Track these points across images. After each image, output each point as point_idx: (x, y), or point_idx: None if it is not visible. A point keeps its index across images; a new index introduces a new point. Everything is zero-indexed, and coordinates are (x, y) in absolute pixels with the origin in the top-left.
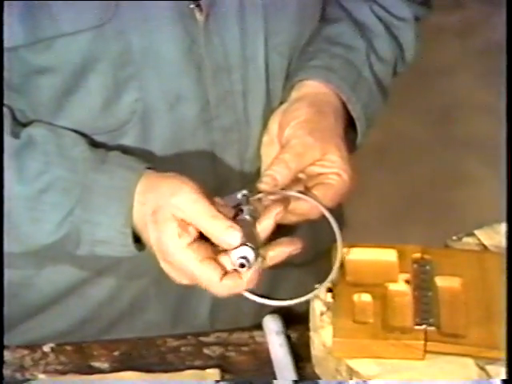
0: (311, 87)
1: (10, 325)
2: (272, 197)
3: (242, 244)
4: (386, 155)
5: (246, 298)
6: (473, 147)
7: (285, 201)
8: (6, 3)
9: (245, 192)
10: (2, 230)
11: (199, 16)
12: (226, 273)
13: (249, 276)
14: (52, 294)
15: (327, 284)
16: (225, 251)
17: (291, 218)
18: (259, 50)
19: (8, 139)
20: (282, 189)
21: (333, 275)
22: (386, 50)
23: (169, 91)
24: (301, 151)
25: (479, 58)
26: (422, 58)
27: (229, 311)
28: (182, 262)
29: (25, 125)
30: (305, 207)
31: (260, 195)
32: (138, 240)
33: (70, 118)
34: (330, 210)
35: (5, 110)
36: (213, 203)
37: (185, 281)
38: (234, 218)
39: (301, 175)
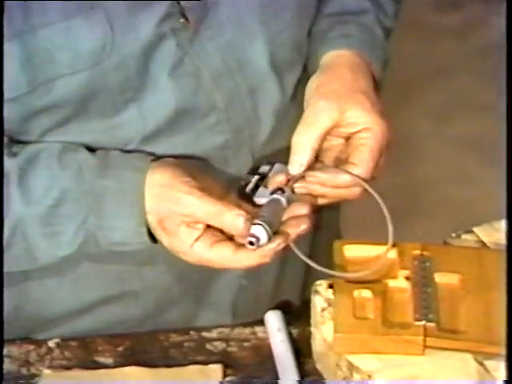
0: (326, 57)
1: (32, 332)
2: (315, 173)
3: (257, 223)
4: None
5: (264, 289)
6: (472, 146)
7: (311, 216)
8: (5, 54)
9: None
10: (1, 231)
11: (189, 28)
12: (238, 246)
13: (264, 251)
14: (76, 306)
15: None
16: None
17: (340, 192)
18: (260, 50)
19: (8, 161)
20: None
21: (387, 250)
22: (389, 5)
23: (168, 107)
24: (313, 119)
25: (478, 58)
26: (422, 58)
27: (249, 304)
28: (196, 255)
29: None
30: (347, 179)
31: (303, 173)
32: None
33: (72, 142)
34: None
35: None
36: (214, 195)
37: (205, 267)
38: (273, 193)
39: (335, 141)
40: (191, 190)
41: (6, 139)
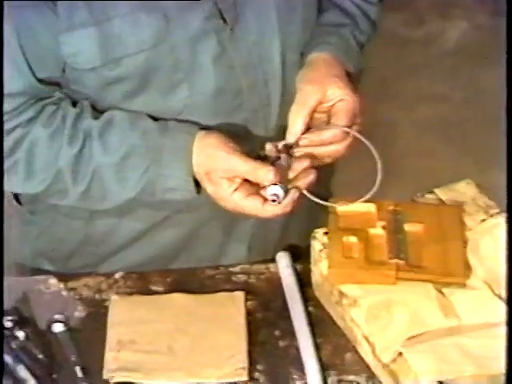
0: (309, 57)
1: (95, 263)
2: (305, 136)
3: (274, 184)
4: (369, 133)
5: (271, 237)
6: (432, 127)
7: (312, 171)
8: (84, 37)
9: (285, 143)
10: (2, 229)
11: (227, 28)
12: (266, 200)
13: (284, 203)
14: (131, 236)
15: (372, 192)
16: (263, 188)
17: (331, 149)
18: (275, 50)
19: (91, 122)
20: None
21: (375, 187)
22: (363, 25)
23: (210, 87)
24: (303, 99)
25: (437, 62)
26: (395, 62)
27: (260, 247)
28: (234, 202)
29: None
30: (330, 134)
31: (296, 139)
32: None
33: (136, 111)
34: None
35: (85, 102)
36: (248, 155)
37: (239, 213)
38: (273, 163)
39: (321, 118)
40: (234, 152)
41: (89, 104)
